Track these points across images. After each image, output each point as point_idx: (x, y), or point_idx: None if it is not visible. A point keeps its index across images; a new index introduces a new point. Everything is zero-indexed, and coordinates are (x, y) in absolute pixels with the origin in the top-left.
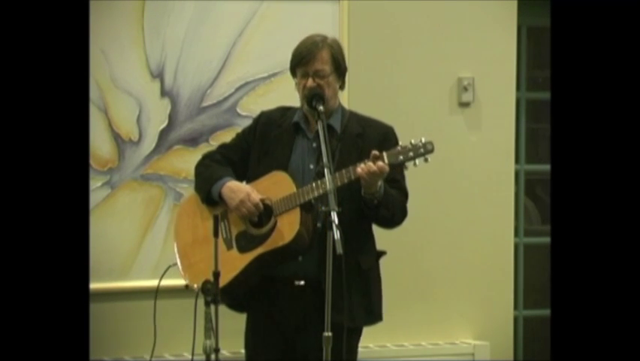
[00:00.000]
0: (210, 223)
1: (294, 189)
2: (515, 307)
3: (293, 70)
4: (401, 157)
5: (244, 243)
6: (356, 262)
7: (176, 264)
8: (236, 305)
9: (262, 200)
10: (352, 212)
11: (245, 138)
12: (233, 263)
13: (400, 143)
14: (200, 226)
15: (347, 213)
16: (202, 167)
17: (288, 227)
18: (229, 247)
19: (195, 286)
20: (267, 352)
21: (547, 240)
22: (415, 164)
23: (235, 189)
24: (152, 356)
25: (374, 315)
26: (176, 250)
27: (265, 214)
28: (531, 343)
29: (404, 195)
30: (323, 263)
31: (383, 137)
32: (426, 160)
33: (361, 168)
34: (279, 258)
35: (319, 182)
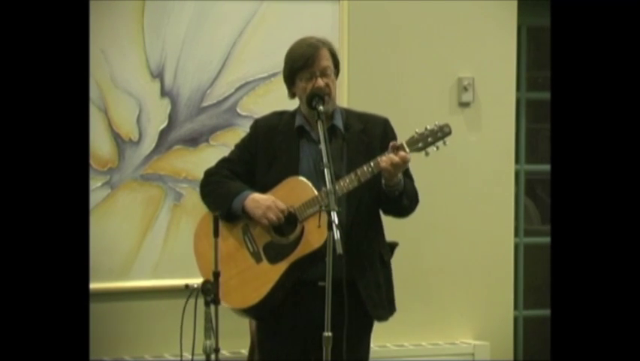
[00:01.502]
0: (233, 240)
1: (315, 193)
2: (515, 307)
3: (294, 75)
4: (421, 144)
5: (274, 253)
6: (380, 255)
7: (197, 286)
8: (266, 315)
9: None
10: (371, 206)
11: (247, 148)
12: (267, 275)
13: (416, 130)
14: (223, 245)
15: (367, 209)
16: (212, 185)
17: (317, 231)
18: (258, 260)
19: (196, 285)
20: (287, 353)
21: (547, 240)
22: (436, 148)
23: (259, 199)
24: (181, 357)
25: (393, 307)
26: (201, 272)
27: (289, 222)
28: (531, 343)
29: (412, 179)
30: (347, 262)
31: (384, 129)
32: (444, 144)
33: (384, 161)
34: (309, 262)
35: (340, 182)
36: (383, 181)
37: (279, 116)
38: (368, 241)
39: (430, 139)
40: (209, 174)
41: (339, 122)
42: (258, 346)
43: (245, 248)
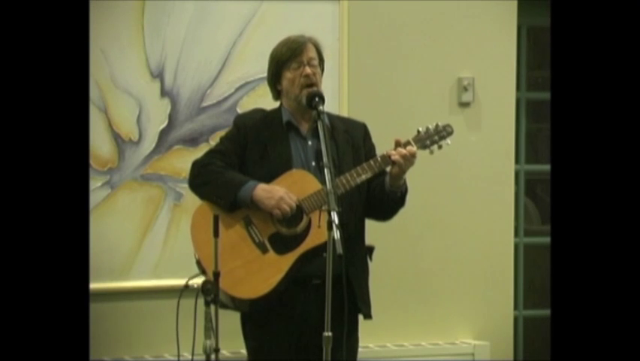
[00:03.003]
0: (235, 231)
1: (320, 186)
2: (515, 307)
3: (281, 67)
4: (428, 141)
5: (282, 244)
6: (365, 257)
7: (195, 276)
8: (263, 309)
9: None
10: (361, 209)
11: (237, 141)
12: (275, 266)
13: (419, 128)
14: (224, 235)
15: (357, 210)
16: (210, 174)
17: (324, 225)
18: (264, 250)
19: (198, 282)
20: (281, 351)
21: (547, 240)
22: (439, 147)
23: (270, 189)
24: (179, 357)
25: None
26: (201, 261)
27: (294, 214)
28: (531, 343)
29: None
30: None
31: (364, 132)
32: (448, 143)
33: (395, 154)
34: (314, 255)
35: (348, 176)
36: (388, 181)
37: (262, 112)
38: (358, 242)
39: (435, 137)
40: (201, 164)
41: (326, 121)
42: (248, 346)
43: (249, 239)
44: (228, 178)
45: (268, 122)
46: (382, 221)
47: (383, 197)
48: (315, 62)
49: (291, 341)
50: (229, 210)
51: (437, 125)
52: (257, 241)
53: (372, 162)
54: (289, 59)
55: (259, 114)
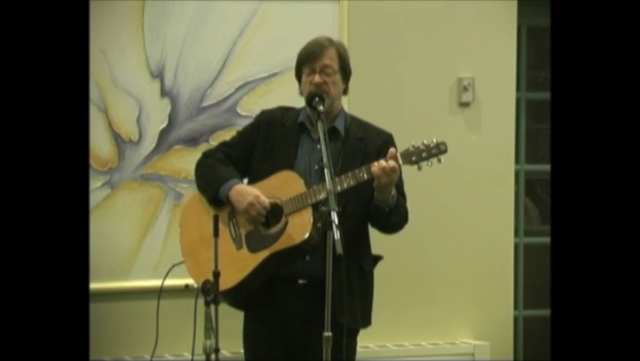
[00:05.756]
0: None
1: (304, 189)
2: (515, 307)
3: (299, 69)
4: (414, 157)
5: (255, 242)
6: (359, 264)
7: (180, 263)
8: (239, 304)
9: (271, 202)
10: (357, 215)
11: (248, 136)
12: (244, 263)
13: (412, 143)
14: (207, 225)
15: (352, 216)
16: (204, 167)
17: (300, 226)
18: (239, 246)
19: (195, 285)
20: (268, 352)
21: (547, 240)
22: (429, 164)
23: (243, 192)
24: (152, 356)
25: (368, 318)
26: (181, 248)
27: (274, 214)
28: (531, 343)
29: (405, 198)
30: (322, 264)
31: (384, 142)
32: (439, 161)
33: (375, 166)
34: (289, 257)
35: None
36: (375, 194)
37: (285, 111)
38: (352, 252)
39: (424, 154)
40: (205, 155)
41: (340, 126)
42: (243, 342)
43: (228, 232)
44: (216, 173)
45: (284, 122)
46: (386, 233)
47: (372, 210)
48: (331, 70)
49: (276, 338)
50: (213, 205)
51: (432, 142)
52: (234, 235)
53: (356, 171)
54: (304, 63)
55: (280, 112)
